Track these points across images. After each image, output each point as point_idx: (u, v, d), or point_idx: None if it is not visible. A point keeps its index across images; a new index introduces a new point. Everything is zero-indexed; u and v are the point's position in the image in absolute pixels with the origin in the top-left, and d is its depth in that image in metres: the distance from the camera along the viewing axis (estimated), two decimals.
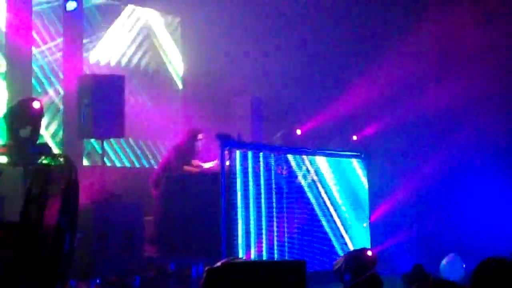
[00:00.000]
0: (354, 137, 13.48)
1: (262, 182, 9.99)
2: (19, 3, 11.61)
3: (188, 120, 13.90)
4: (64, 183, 4.96)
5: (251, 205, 9.78)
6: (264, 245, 9.85)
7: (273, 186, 10.16)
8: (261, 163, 10.04)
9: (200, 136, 10.92)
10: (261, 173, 10.00)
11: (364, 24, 13.78)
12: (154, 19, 14.39)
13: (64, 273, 4.88)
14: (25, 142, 8.59)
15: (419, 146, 13.16)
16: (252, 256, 9.58)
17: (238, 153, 9.69)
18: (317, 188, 10.82)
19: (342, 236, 11.04)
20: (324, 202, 10.90)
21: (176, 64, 14.68)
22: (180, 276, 9.96)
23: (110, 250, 8.91)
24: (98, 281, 8.87)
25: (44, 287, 4.79)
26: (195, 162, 10.86)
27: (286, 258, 9.94)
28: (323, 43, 14.03)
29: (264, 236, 9.88)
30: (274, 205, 10.11)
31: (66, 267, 4.90)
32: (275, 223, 10.08)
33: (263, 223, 9.90)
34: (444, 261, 9.95)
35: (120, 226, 9.04)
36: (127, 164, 13.60)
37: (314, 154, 10.97)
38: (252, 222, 9.74)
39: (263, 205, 9.94)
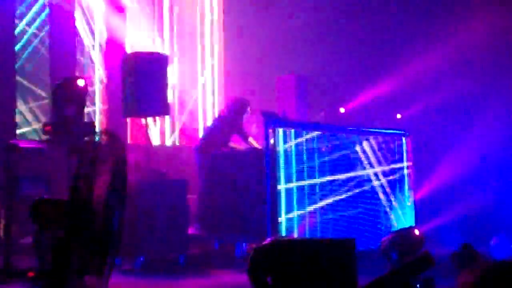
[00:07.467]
0: (398, 115, 13.37)
1: (305, 160, 9.92)
2: None
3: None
4: (112, 160, 4.94)
5: (295, 183, 9.72)
6: (308, 223, 9.80)
7: (317, 164, 10.09)
8: (305, 141, 9.97)
9: (249, 108, 10.70)
10: (305, 151, 9.93)
11: (410, 4, 13.63)
12: None
13: (114, 250, 4.88)
14: (70, 121, 8.58)
15: (465, 123, 13.00)
16: (297, 235, 9.53)
17: (282, 131, 9.62)
18: (360, 166, 10.72)
19: (387, 214, 10.95)
20: (368, 180, 10.81)
21: None
22: (224, 254, 9.96)
23: (155, 228, 8.91)
24: (142, 259, 8.89)
25: (95, 264, 4.79)
26: (250, 140, 10.66)
27: (332, 236, 9.87)
28: (368, 21, 13.90)
29: (308, 215, 9.82)
30: (318, 183, 10.06)
31: (116, 244, 4.90)
32: (319, 201, 10.02)
33: (308, 201, 9.85)
34: (493, 241, 9.79)
35: (164, 204, 9.04)
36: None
37: (357, 132, 10.86)
38: (296, 200, 9.69)
39: (307, 183, 9.88)
